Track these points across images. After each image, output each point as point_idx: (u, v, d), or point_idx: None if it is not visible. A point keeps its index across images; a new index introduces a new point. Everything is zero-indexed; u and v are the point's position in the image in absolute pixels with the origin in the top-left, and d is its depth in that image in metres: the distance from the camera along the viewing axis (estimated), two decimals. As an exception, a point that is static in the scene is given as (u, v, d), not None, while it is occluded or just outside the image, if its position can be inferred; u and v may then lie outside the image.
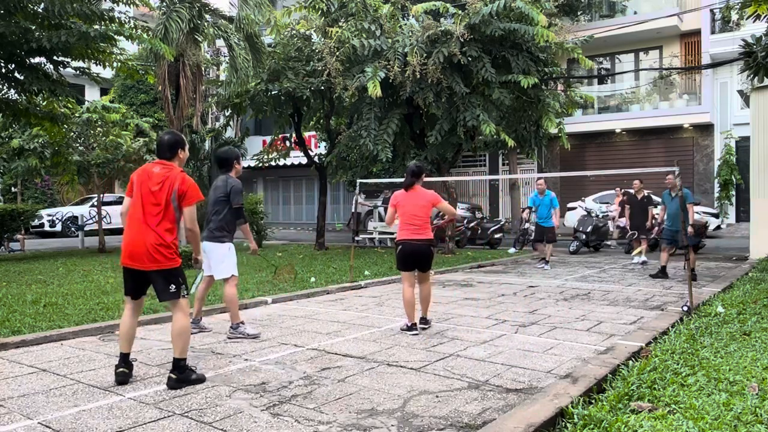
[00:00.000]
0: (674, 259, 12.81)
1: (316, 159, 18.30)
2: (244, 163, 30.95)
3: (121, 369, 4.38)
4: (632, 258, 12.68)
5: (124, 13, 11.57)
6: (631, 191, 12.71)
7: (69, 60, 11.68)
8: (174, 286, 4.27)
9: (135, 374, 4.59)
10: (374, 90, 11.99)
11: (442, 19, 13.84)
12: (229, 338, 5.78)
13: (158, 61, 13.20)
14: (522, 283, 9.72)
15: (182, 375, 4.27)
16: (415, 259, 6.11)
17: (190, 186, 4.29)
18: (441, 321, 6.64)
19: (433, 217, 18.35)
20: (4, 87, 11.72)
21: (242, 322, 5.86)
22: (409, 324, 6.04)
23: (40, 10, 10.81)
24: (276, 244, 17.92)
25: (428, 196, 6.20)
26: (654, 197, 12.86)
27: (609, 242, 15.99)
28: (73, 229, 21.93)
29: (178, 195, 4.24)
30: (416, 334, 5.94)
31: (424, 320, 6.30)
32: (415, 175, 6.21)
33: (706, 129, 21.63)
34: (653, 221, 12.19)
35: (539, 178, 12.13)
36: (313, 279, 9.64)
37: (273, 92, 15.67)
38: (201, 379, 4.37)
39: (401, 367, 4.77)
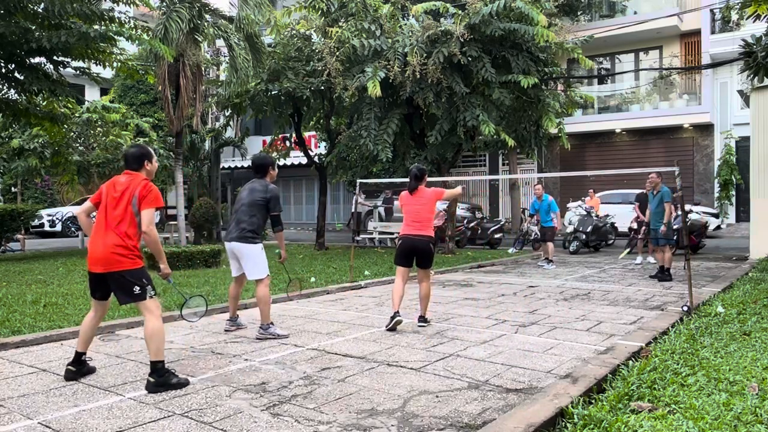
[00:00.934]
0: (674, 258, 12.80)
1: (316, 159, 18.30)
2: (244, 163, 31.03)
3: (69, 366, 4.50)
4: (640, 258, 12.53)
5: (124, 13, 11.57)
6: (644, 191, 12.39)
7: (69, 60, 11.68)
8: (138, 288, 4.27)
9: (135, 374, 4.60)
10: (374, 90, 11.99)
11: (442, 19, 13.85)
12: (258, 338, 5.74)
13: (158, 61, 13.20)
14: (522, 283, 9.72)
15: (161, 378, 4.20)
16: (413, 253, 6.23)
17: (150, 191, 4.34)
18: (441, 321, 6.64)
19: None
20: (4, 87, 11.72)
21: (272, 323, 5.85)
22: (393, 312, 6.16)
23: (40, 10, 10.81)
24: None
25: (430, 194, 6.33)
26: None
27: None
28: (73, 229, 21.93)
29: (138, 200, 4.30)
30: (394, 324, 6.08)
31: (423, 318, 6.39)
32: (417, 178, 6.34)
33: (706, 129, 21.63)
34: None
35: (537, 183, 12.08)
36: (313, 279, 9.65)
37: (273, 92, 15.68)
38: (183, 383, 4.26)
39: (401, 367, 4.77)
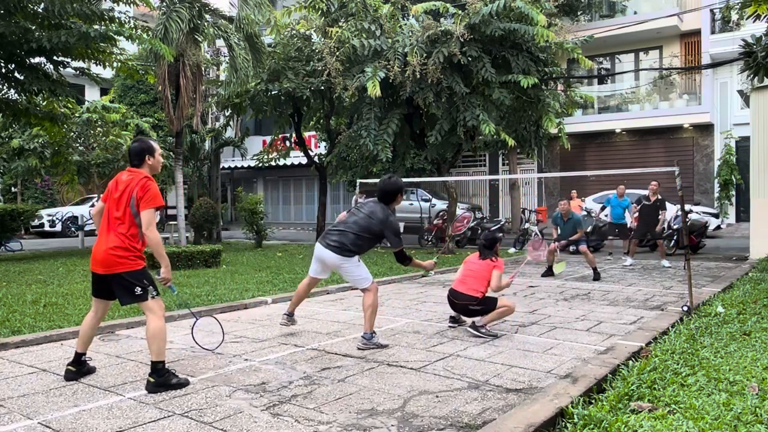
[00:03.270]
0: (674, 258, 12.80)
1: (316, 159, 18.31)
2: (244, 163, 30.99)
3: (69, 367, 4.49)
4: (626, 260, 12.38)
5: (124, 13, 11.57)
6: (647, 194, 12.29)
7: (69, 60, 11.68)
8: (139, 289, 4.25)
9: (135, 374, 4.59)
10: (374, 90, 11.99)
11: (442, 19, 13.85)
12: (360, 348, 5.37)
13: (158, 61, 13.20)
14: (522, 283, 9.72)
15: (161, 378, 4.19)
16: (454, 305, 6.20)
17: (148, 191, 4.26)
18: (441, 321, 6.64)
19: (434, 216, 18.37)
20: (4, 87, 11.72)
21: (374, 332, 5.50)
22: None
23: (40, 10, 10.81)
24: (276, 244, 17.91)
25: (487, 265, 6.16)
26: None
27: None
28: (73, 229, 21.92)
29: (136, 200, 4.25)
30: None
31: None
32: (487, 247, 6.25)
33: (706, 129, 21.62)
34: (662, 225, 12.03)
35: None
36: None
37: (273, 92, 15.69)
38: (183, 384, 4.25)
39: (401, 367, 4.77)
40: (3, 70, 11.30)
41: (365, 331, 5.47)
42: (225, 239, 19.03)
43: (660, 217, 11.64)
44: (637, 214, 12.16)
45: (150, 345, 4.26)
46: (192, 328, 5.44)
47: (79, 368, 4.50)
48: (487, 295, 5.95)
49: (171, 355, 5.17)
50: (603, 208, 13.94)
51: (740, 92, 21.05)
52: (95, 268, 4.35)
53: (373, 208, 5.77)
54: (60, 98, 12.33)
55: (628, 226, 12.87)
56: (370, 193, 21.07)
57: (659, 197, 11.73)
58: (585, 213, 15.86)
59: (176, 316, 6.75)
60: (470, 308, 5.93)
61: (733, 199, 21.10)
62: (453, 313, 6.30)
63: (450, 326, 6.25)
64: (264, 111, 16.63)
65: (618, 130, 22.85)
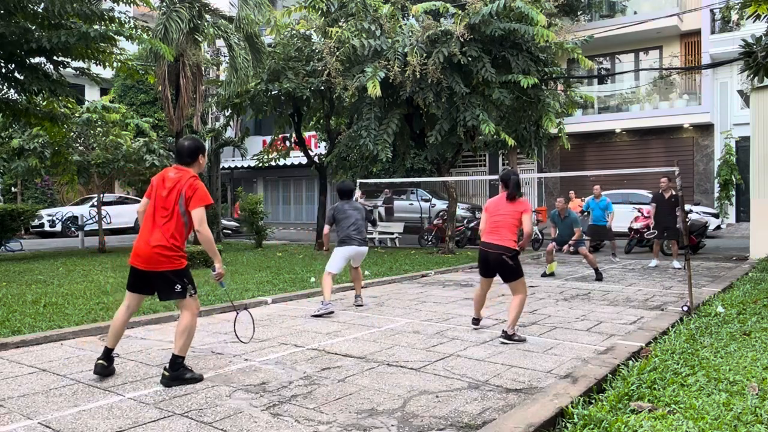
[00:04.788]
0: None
1: (316, 159, 18.30)
2: (244, 163, 30.96)
3: (100, 361, 4.45)
4: (672, 263, 12.01)
5: (124, 13, 11.55)
6: (660, 191, 12.13)
7: (69, 60, 11.66)
8: (179, 286, 4.29)
9: (135, 374, 4.59)
10: (374, 90, 11.99)
11: (442, 19, 13.85)
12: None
13: (158, 61, 13.21)
14: (522, 283, 9.72)
15: (176, 372, 4.26)
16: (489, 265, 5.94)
17: (197, 190, 4.29)
18: (441, 321, 6.64)
19: (434, 216, 18.34)
20: (4, 87, 11.71)
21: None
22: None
23: (40, 10, 10.80)
24: (276, 243, 17.91)
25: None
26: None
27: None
28: (73, 229, 21.92)
29: (185, 200, 4.26)
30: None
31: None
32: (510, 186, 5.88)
33: (706, 129, 21.62)
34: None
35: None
36: (313, 279, 9.64)
37: (273, 92, 15.68)
38: (197, 378, 4.35)
39: (401, 367, 4.77)
40: (3, 70, 11.29)
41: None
42: (225, 239, 19.03)
43: (678, 214, 10.97)
44: (653, 212, 11.88)
45: (177, 339, 4.30)
46: (234, 322, 5.62)
47: (109, 363, 4.48)
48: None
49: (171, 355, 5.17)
50: (583, 213, 13.70)
51: (740, 92, 21.05)
52: (137, 263, 4.32)
53: (351, 205, 7.56)
54: (60, 98, 12.31)
55: (607, 226, 12.64)
56: (369, 193, 21.07)
57: (674, 192, 11.21)
58: (585, 213, 15.85)
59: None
60: (505, 259, 5.66)
61: (733, 199, 21.10)
62: (475, 316, 6.15)
63: (474, 328, 6.13)
64: (264, 111, 16.63)
65: (618, 130, 22.85)
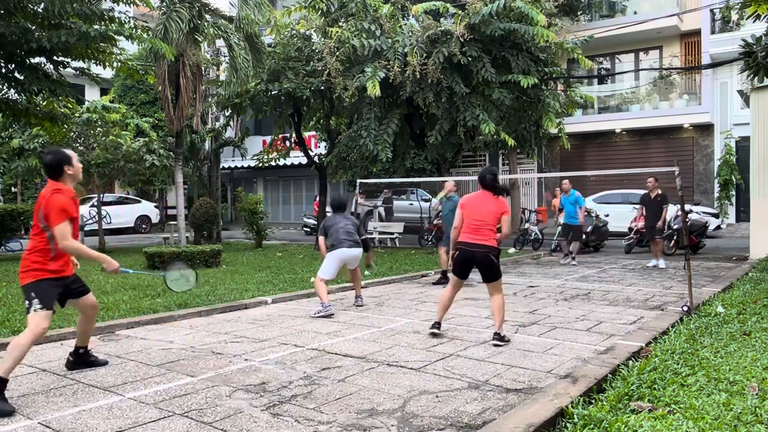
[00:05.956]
0: (675, 258, 12.81)
1: (316, 159, 18.31)
2: (244, 163, 30.96)
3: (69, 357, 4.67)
4: (657, 263, 12.14)
5: (124, 13, 11.55)
6: (648, 192, 12.18)
7: (69, 60, 11.66)
8: (27, 302, 4.26)
9: (135, 374, 4.60)
10: (373, 90, 11.99)
11: (442, 19, 13.86)
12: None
13: (158, 61, 13.19)
14: (522, 283, 9.72)
15: None
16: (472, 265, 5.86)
17: (52, 207, 4.17)
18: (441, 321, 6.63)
19: (434, 216, 18.37)
20: (4, 87, 11.71)
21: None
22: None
23: (40, 10, 10.80)
24: (276, 243, 17.91)
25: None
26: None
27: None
28: (73, 229, 21.88)
29: (44, 216, 4.22)
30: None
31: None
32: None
33: (706, 129, 21.63)
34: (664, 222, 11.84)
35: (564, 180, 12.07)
36: (312, 279, 9.62)
37: (273, 92, 15.68)
38: (8, 412, 3.77)
39: (401, 367, 4.77)
40: (3, 70, 11.29)
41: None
42: (225, 239, 19.03)
43: (663, 213, 11.36)
44: (643, 213, 11.96)
45: (7, 354, 3.98)
46: (166, 282, 5.33)
47: (75, 358, 4.73)
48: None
49: (171, 355, 5.18)
50: (561, 211, 13.50)
51: (740, 92, 21.05)
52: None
53: (343, 216, 7.73)
54: (60, 98, 12.31)
55: (577, 223, 12.45)
56: (369, 193, 21.09)
57: (659, 192, 11.52)
58: (585, 213, 15.85)
59: (176, 316, 6.76)
60: (492, 258, 5.56)
61: (733, 199, 21.10)
62: (438, 320, 5.92)
63: (432, 332, 5.85)
64: (264, 111, 16.63)
65: (618, 130, 22.85)
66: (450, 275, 6.08)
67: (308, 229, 21.39)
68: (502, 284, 5.80)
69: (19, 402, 3.99)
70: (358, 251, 7.62)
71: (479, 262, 5.64)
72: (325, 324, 6.53)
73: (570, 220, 12.42)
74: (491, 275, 5.63)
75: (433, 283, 9.76)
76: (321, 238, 7.76)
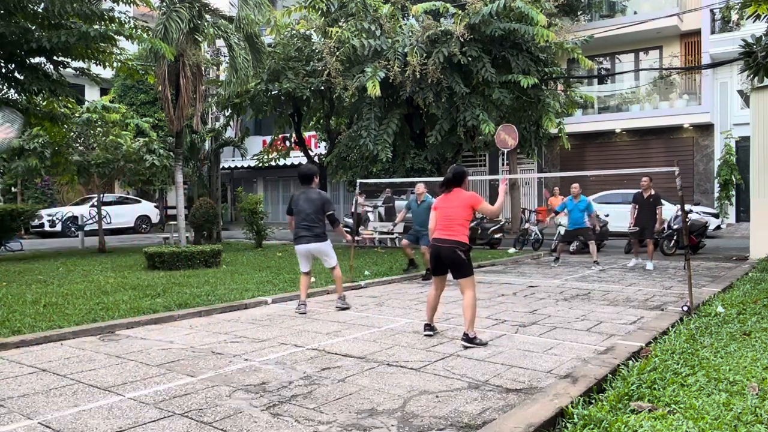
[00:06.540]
0: (674, 258, 12.81)
1: (316, 159, 18.31)
2: (244, 163, 30.99)
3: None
4: (630, 261, 12.21)
5: (124, 13, 11.56)
6: (640, 191, 12.08)
7: (69, 60, 11.67)
8: None
9: (135, 374, 4.60)
10: (373, 90, 12.00)
11: (442, 19, 13.87)
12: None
13: (158, 61, 13.19)
14: (522, 283, 9.72)
15: None
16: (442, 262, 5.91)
17: None
18: (441, 321, 6.63)
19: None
20: (4, 87, 11.71)
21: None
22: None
23: (40, 10, 10.81)
24: (276, 244, 17.91)
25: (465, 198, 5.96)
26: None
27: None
28: (73, 229, 21.93)
29: None
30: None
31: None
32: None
33: (706, 129, 21.63)
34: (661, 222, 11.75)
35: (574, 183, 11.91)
36: (312, 279, 9.63)
37: (273, 92, 15.70)
38: None
39: (401, 367, 4.77)
40: (3, 70, 11.30)
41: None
42: (225, 239, 19.04)
43: (657, 215, 11.12)
44: (636, 213, 11.86)
45: None
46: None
47: None
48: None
49: (171, 355, 5.18)
50: (557, 213, 13.24)
51: (740, 92, 21.05)
52: None
53: (306, 195, 7.09)
54: (60, 98, 12.32)
55: (586, 226, 12.19)
56: (369, 193, 21.12)
57: (652, 192, 11.29)
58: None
59: (176, 316, 6.76)
60: (458, 254, 5.57)
61: (733, 199, 21.10)
62: (428, 321, 5.96)
63: (426, 335, 5.88)
64: (264, 111, 16.65)
65: (618, 130, 22.86)
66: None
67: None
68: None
69: (19, 402, 3.99)
70: (320, 246, 7.11)
71: (445, 257, 5.66)
72: (325, 324, 6.53)
73: (574, 226, 11.93)
74: (460, 271, 5.62)
75: (423, 278, 10.13)
76: (289, 217, 7.38)
